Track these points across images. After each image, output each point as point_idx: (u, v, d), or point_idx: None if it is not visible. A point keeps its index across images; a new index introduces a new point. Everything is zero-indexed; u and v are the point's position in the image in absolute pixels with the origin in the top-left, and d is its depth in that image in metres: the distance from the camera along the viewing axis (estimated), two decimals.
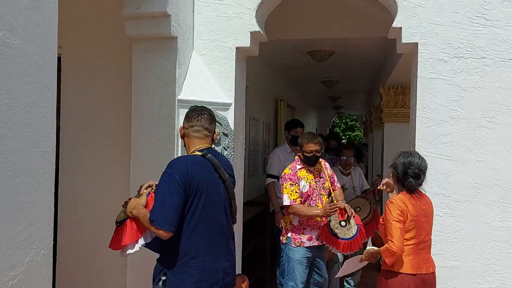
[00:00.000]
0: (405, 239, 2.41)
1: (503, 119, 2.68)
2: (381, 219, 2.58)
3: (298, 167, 3.49)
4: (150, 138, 2.89)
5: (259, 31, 3.08)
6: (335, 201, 3.40)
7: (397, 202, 2.43)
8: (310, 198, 3.45)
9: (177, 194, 2.04)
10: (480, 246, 2.70)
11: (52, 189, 1.60)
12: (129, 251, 2.13)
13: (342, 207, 3.26)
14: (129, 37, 2.90)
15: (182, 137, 2.35)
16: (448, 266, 2.72)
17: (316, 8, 4.34)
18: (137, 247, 2.13)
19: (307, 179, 3.45)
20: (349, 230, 3.27)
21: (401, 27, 2.80)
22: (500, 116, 2.69)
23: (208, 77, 3.08)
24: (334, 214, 3.27)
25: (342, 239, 3.25)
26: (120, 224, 2.16)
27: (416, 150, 2.78)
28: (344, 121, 23.84)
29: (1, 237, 1.34)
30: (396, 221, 2.39)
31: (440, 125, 2.75)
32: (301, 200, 3.41)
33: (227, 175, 2.29)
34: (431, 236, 2.56)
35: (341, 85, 8.47)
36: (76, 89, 3.25)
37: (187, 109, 2.92)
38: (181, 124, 2.36)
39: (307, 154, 3.43)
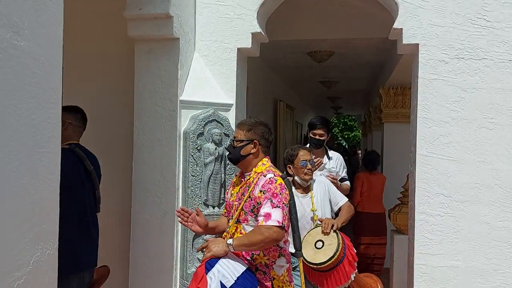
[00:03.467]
0: None
1: (504, 119, 2.69)
2: None
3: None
4: (152, 139, 2.90)
5: (260, 32, 3.10)
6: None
7: None
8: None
9: None
10: (481, 246, 2.71)
11: (57, 189, 1.61)
12: None
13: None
14: (132, 38, 2.91)
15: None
16: (448, 266, 2.74)
17: (316, 8, 4.35)
18: None
19: (234, 189, 2.47)
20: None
21: (402, 28, 2.82)
22: (500, 117, 2.70)
23: (210, 78, 3.10)
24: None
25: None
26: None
27: (417, 150, 2.79)
28: (342, 121, 23.86)
29: (7, 237, 1.35)
30: None
31: (440, 126, 2.76)
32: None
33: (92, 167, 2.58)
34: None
35: (340, 86, 8.49)
36: (78, 91, 3.25)
37: (189, 110, 2.95)
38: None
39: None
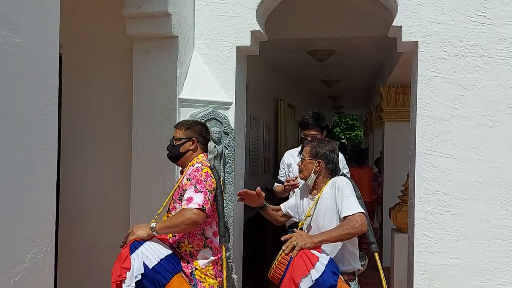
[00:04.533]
0: None
1: (503, 117, 2.68)
2: None
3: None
4: (151, 137, 2.90)
5: (259, 30, 3.09)
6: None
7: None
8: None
9: None
10: (481, 244, 2.70)
11: (54, 187, 1.61)
12: None
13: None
14: (130, 37, 2.91)
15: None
16: (448, 264, 2.73)
17: (316, 7, 4.34)
18: None
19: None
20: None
21: (401, 26, 2.81)
22: (500, 114, 2.69)
23: (209, 76, 3.09)
24: None
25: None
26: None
27: (416, 148, 2.78)
28: (344, 120, 23.85)
29: (3, 234, 1.35)
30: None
31: (440, 123, 2.75)
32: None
33: None
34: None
35: (341, 85, 8.48)
36: (77, 89, 3.25)
37: (189, 108, 2.94)
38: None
39: None
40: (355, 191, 2.44)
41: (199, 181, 2.27)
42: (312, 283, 2.16)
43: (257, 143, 6.51)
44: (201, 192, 2.23)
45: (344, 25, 4.53)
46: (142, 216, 2.90)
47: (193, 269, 2.31)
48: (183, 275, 2.28)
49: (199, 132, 2.49)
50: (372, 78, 7.86)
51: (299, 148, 3.27)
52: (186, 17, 3.00)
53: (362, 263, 3.38)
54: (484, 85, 2.71)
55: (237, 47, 3.10)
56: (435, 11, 2.76)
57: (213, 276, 2.35)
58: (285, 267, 2.22)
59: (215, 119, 2.98)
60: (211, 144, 2.93)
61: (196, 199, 2.21)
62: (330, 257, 2.30)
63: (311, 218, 2.52)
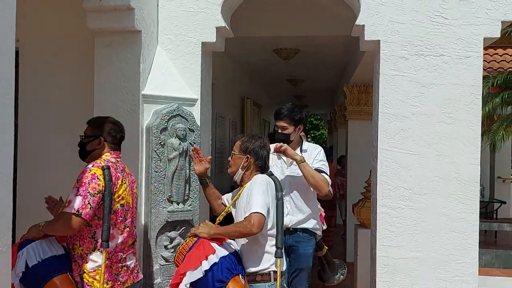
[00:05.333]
0: None
1: (461, 114, 2.78)
2: None
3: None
4: None
5: (225, 26, 3.07)
6: None
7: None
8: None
9: None
10: (440, 237, 2.79)
11: (10, 185, 1.54)
12: None
13: None
14: (91, 31, 2.83)
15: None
16: (410, 257, 2.80)
17: (282, 5, 4.37)
18: None
19: None
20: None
21: (363, 25, 2.86)
22: (457, 112, 2.79)
23: (173, 72, 3.05)
24: None
25: None
26: None
27: (378, 145, 2.85)
28: (308, 120, 24.15)
29: None
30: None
31: (401, 121, 2.83)
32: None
33: None
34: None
35: (306, 84, 8.58)
36: (34, 85, 3.14)
37: (152, 104, 2.89)
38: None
39: None
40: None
41: (82, 184, 2.22)
42: (202, 275, 2.22)
43: (223, 141, 6.49)
44: (81, 195, 2.18)
45: (309, 24, 4.58)
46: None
47: (82, 272, 2.28)
48: (70, 277, 2.27)
49: (108, 131, 2.43)
50: (336, 77, 8.00)
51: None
52: (150, 12, 2.94)
53: (343, 271, 3.46)
54: (443, 83, 2.80)
55: (202, 43, 3.07)
56: (396, 10, 2.83)
57: (105, 280, 2.27)
58: (185, 253, 2.33)
59: (180, 115, 2.94)
60: (175, 141, 2.89)
61: (73, 203, 2.18)
62: (230, 253, 2.33)
63: (235, 212, 2.57)
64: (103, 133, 2.42)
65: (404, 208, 2.81)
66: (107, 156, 2.40)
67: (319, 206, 3.43)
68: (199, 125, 3.03)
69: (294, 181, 3.14)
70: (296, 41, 5.29)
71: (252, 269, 2.41)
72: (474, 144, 2.78)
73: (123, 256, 2.38)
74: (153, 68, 2.97)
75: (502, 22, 2.76)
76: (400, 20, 2.83)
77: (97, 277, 2.26)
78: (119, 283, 2.34)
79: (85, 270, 2.27)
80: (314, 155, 3.15)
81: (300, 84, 8.47)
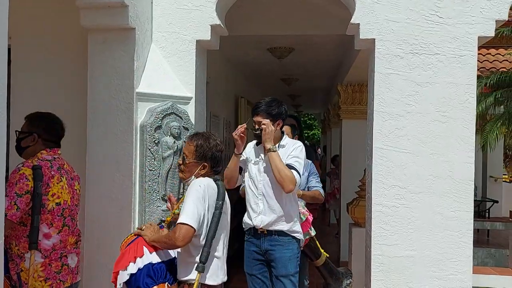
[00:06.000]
0: None
1: (455, 113, 2.79)
2: None
3: None
4: (107, 133, 2.81)
5: (219, 24, 3.06)
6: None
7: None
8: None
9: None
10: (434, 236, 2.79)
11: (2, 183, 1.51)
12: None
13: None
14: (85, 28, 2.80)
15: None
16: (404, 256, 2.81)
17: (277, 4, 4.36)
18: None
19: None
20: None
21: (359, 23, 2.86)
22: (452, 110, 2.79)
23: (168, 70, 3.03)
24: None
25: None
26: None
27: (373, 143, 2.85)
28: (302, 119, 24.16)
29: None
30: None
31: (396, 119, 2.83)
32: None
33: None
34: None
35: (300, 83, 8.57)
36: (27, 83, 3.10)
37: (147, 102, 2.87)
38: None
39: None
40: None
41: (10, 184, 2.19)
42: (128, 277, 2.20)
43: None
44: (7, 196, 2.14)
45: (304, 23, 4.58)
46: (98, 214, 2.80)
47: (19, 271, 2.27)
48: (7, 279, 2.25)
49: (44, 128, 2.40)
50: (331, 76, 8.00)
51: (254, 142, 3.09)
52: (144, 9, 2.92)
53: (348, 281, 3.35)
54: (437, 82, 2.80)
55: (197, 41, 3.05)
56: (391, 9, 2.83)
57: (42, 279, 2.28)
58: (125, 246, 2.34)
59: (175, 113, 2.92)
60: (170, 139, 2.88)
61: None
62: (162, 261, 2.28)
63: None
64: (39, 130, 2.38)
65: (398, 206, 2.81)
66: (43, 154, 2.37)
67: (304, 210, 3.21)
68: (194, 123, 3.01)
69: (268, 177, 2.90)
70: (291, 40, 5.28)
71: (182, 278, 2.31)
72: (468, 143, 2.79)
73: (64, 255, 2.37)
74: (147, 66, 2.95)
75: (496, 21, 2.77)
76: (395, 19, 2.83)
77: (35, 274, 2.26)
78: (58, 281, 2.33)
79: (23, 269, 2.27)
80: (290, 150, 2.91)
81: (294, 83, 8.47)
